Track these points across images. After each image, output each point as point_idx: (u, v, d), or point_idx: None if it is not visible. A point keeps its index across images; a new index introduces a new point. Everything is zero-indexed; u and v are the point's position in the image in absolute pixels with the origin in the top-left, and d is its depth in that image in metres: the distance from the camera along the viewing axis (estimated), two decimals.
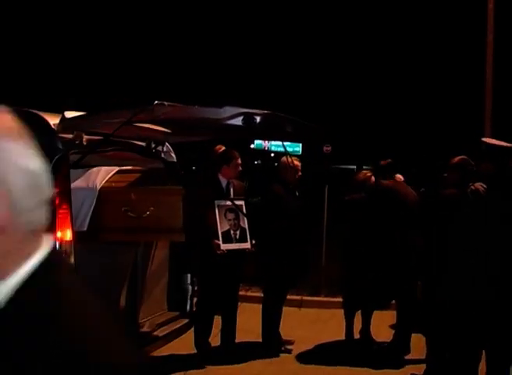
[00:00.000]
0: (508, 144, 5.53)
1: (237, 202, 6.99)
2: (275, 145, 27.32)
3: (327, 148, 26.19)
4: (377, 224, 7.37)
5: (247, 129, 5.06)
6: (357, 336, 7.99)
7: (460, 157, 6.37)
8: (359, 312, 7.97)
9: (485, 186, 5.47)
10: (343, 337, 7.98)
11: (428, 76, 29.98)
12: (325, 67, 31.88)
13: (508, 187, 5.43)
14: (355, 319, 7.96)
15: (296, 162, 7.51)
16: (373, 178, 7.70)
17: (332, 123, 26.50)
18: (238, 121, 4.70)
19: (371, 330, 7.98)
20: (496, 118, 12.86)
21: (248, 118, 4.60)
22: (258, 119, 4.66)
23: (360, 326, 8.01)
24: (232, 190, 7.23)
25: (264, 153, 30.91)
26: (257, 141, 27.22)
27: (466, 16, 21.97)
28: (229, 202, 6.94)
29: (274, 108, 4.79)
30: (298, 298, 9.87)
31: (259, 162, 32.50)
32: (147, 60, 30.22)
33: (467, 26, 22.05)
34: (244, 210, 6.99)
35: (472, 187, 5.53)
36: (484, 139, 5.55)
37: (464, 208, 5.63)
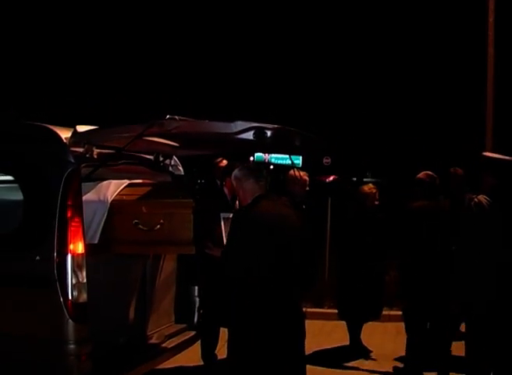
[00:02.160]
0: (509, 158, 5.67)
1: None
2: (276, 158, 27.42)
3: (327, 161, 26.23)
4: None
5: (258, 143, 5.11)
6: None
7: (423, 172, 7.00)
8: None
9: (488, 198, 5.57)
10: (347, 348, 8.09)
11: (429, 88, 30.06)
12: (323, 80, 31.97)
13: (509, 200, 5.55)
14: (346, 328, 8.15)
15: (305, 177, 7.54)
16: (377, 195, 7.82)
17: (331, 135, 26.57)
18: (249, 135, 4.74)
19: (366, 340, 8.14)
20: (497, 129, 12.92)
21: (260, 132, 4.65)
22: (269, 133, 4.71)
23: (363, 335, 8.15)
24: (237, 202, 7.27)
25: (264, 165, 30.96)
26: (257, 154, 27.27)
27: (467, 30, 22.10)
28: None
29: (274, 121, 4.85)
30: None
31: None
32: (159, 73, 30.24)
33: (467, 39, 22.19)
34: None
35: (476, 199, 5.62)
36: (485, 153, 5.69)
37: (467, 221, 5.75)
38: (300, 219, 4.71)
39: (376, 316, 8.20)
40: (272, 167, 32.22)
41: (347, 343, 8.18)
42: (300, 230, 4.62)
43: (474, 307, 5.63)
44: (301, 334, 4.62)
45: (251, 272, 4.39)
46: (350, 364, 7.75)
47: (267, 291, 4.37)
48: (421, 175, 7.06)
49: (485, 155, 5.74)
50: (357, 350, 8.05)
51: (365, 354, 8.01)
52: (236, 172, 4.83)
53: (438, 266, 6.73)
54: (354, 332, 8.10)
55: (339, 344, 8.35)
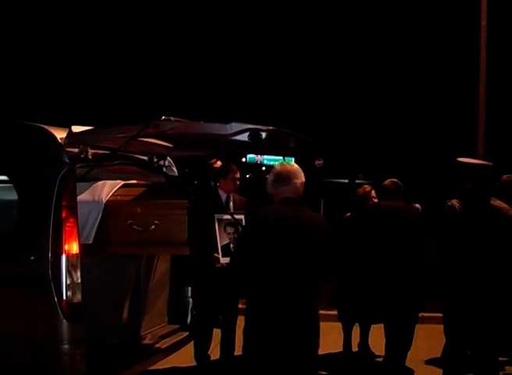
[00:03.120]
0: (483, 162, 5.83)
1: (237, 216, 7.04)
2: (268, 159, 27.48)
3: (319, 162, 26.28)
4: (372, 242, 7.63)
5: (253, 144, 5.13)
6: (355, 349, 8.10)
7: (389, 180, 7.51)
8: (356, 325, 8.13)
9: (460, 202, 5.75)
10: (341, 350, 8.07)
11: (422, 90, 30.13)
12: (317, 81, 32.02)
13: (484, 204, 5.72)
14: (353, 332, 8.09)
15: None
16: (373, 193, 7.83)
17: (324, 136, 26.60)
18: (244, 137, 4.77)
19: (370, 342, 8.10)
20: (489, 131, 12.98)
21: (254, 134, 4.68)
22: (264, 134, 4.74)
23: (357, 339, 8.13)
24: (232, 204, 7.29)
25: (256, 167, 30.93)
26: (249, 155, 27.26)
27: (459, 33, 22.19)
28: (228, 216, 6.99)
29: (267, 122, 4.88)
30: None
31: (251, 175, 32.54)
32: (159, 73, 30.20)
33: (460, 42, 22.28)
34: (244, 224, 7.03)
35: (449, 203, 5.79)
36: (459, 159, 5.85)
37: (440, 224, 5.96)
38: (320, 221, 4.64)
39: (379, 320, 8.07)
40: (264, 169, 32.24)
41: (341, 344, 8.17)
42: (316, 231, 4.54)
43: (462, 308, 5.70)
44: (313, 334, 4.55)
45: (253, 270, 4.40)
46: (353, 370, 7.75)
47: (268, 291, 4.36)
48: (386, 182, 7.51)
49: (459, 161, 5.88)
50: (364, 354, 8.05)
51: (370, 358, 8.00)
52: None
53: (403, 263, 7.02)
54: (348, 334, 8.09)
55: (335, 348, 8.31)
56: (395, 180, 7.54)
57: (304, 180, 4.66)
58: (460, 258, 5.65)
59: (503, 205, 5.78)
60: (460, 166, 5.83)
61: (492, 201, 5.75)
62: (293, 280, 4.40)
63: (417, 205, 7.84)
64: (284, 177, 4.58)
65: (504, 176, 7.53)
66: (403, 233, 7.07)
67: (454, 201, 5.79)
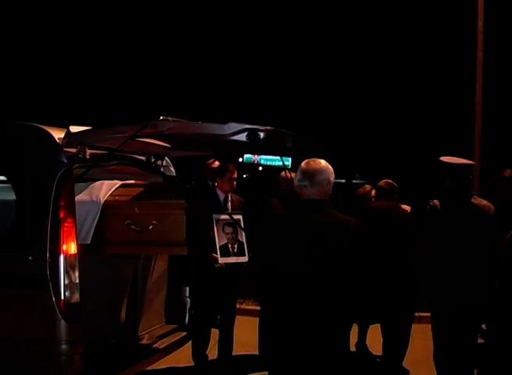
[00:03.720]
0: (466, 162, 5.88)
1: (235, 216, 7.04)
2: (265, 159, 27.57)
3: None
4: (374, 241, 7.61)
5: (250, 144, 5.13)
6: (352, 348, 8.10)
7: (384, 180, 7.57)
8: (355, 325, 8.12)
9: (442, 202, 5.83)
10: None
11: (417, 91, 30.17)
12: (313, 82, 32.04)
13: (466, 203, 5.77)
14: (351, 332, 8.08)
15: None
16: (373, 192, 7.83)
17: (321, 136, 26.59)
18: (242, 137, 4.77)
19: (367, 342, 8.11)
20: (485, 133, 12.97)
21: (252, 134, 4.68)
22: (262, 135, 4.74)
23: (355, 339, 8.12)
24: (230, 204, 7.29)
25: (253, 167, 30.98)
26: (246, 155, 27.31)
27: (455, 34, 22.22)
28: (226, 216, 7.00)
29: (264, 122, 4.88)
30: None
31: (248, 175, 32.62)
32: (153, 75, 30.20)
33: (456, 43, 22.30)
34: (242, 224, 7.05)
35: (431, 203, 5.84)
36: (442, 158, 5.88)
37: (425, 224, 6.04)
38: (345, 226, 4.21)
39: (381, 320, 8.04)
40: (260, 168, 32.31)
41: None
42: (334, 235, 4.13)
43: (455, 303, 5.74)
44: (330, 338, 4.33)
45: (267, 273, 4.24)
46: (343, 367, 7.73)
47: (281, 295, 4.20)
48: (380, 183, 7.56)
49: (442, 160, 5.92)
50: (361, 354, 8.06)
51: (368, 358, 8.01)
52: None
53: (392, 263, 6.98)
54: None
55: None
56: (389, 180, 7.55)
57: (331, 179, 4.28)
58: (446, 256, 5.69)
59: (484, 202, 5.82)
60: (443, 166, 5.87)
61: (473, 199, 5.80)
62: (307, 286, 4.12)
63: (406, 207, 7.82)
64: (308, 176, 4.20)
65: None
66: (390, 233, 7.06)
67: (436, 201, 5.85)
